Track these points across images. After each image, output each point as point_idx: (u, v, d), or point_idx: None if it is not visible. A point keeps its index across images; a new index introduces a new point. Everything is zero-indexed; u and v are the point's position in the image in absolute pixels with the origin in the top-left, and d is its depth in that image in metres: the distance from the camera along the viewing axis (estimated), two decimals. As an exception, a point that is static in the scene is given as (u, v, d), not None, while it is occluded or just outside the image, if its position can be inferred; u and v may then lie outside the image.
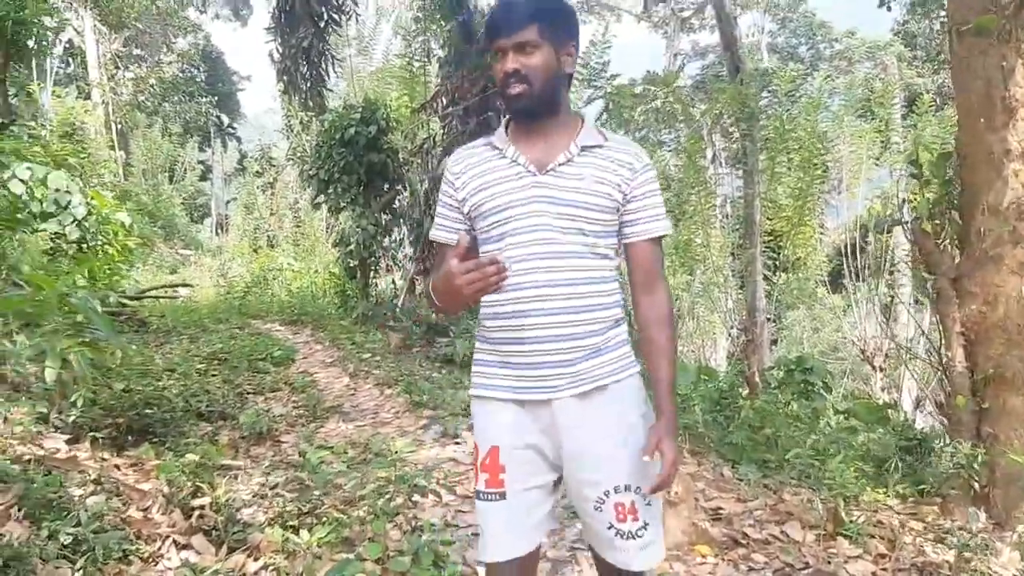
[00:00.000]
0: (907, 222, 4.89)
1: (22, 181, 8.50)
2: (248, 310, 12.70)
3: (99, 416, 4.25)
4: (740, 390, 6.83)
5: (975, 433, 4.44)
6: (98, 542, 2.79)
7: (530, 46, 1.78)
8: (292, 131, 19.07)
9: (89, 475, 3.39)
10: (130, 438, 4.30)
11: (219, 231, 29.09)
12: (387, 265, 12.32)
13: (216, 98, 32.44)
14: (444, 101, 10.98)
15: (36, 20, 12.31)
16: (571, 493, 1.91)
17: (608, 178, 1.82)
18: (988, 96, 4.36)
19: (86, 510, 2.96)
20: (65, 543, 2.75)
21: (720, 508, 3.72)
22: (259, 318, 12.05)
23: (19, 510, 2.88)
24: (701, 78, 27.85)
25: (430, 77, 12.31)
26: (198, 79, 32.66)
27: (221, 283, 15.49)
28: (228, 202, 31.66)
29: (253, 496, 3.70)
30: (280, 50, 11.71)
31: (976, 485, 4.32)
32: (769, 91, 14.89)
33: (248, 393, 6.25)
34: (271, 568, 2.97)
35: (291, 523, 3.30)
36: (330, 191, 11.51)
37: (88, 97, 24.14)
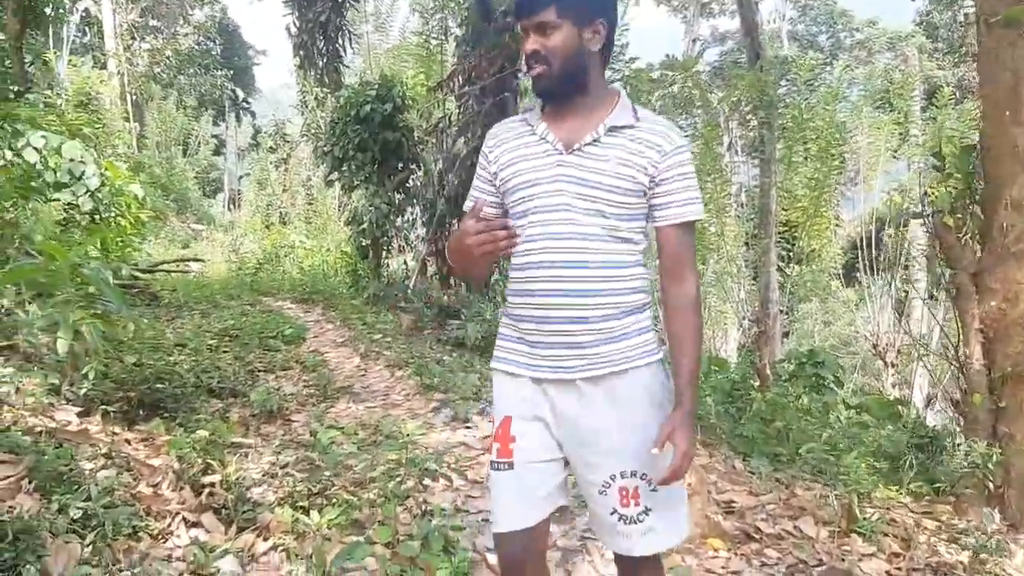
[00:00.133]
0: (928, 215, 4.81)
1: (36, 150, 8.48)
2: (260, 287, 12.70)
3: (110, 389, 4.24)
4: (752, 382, 6.78)
5: (991, 432, 4.38)
6: (108, 517, 2.78)
7: (549, 27, 1.77)
8: (307, 107, 18.99)
9: (100, 449, 3.37)
10: (141, 412, 4.29)
11: (231, 206, 29.09)
12: (399, 245, 12.28)
13: (231, 72, 32.39)
14: (460, 80, 10.90)
15: (53, -13, 12.27)
16: (578, 476, 1.91)
17: (634, 160, 1.78)
18: (1015, 89, 4.27)
19: (96, 484, 2.95)
20: (75, 517, 2.73)
21: (733, 501, 3.68)
22: (270, 295, 12.04)
23: (30, 482, 2.86)
24: (720, 64, 27.64)
25: (447, 56, 12.22)
26: (214, 52, 32.60)
27: (233, 259, 15.46)
28: (241, 177, 31.61)
29: (263, 475, 3.69)
30: (297, 24, 11.68)
31: (991, 485, 4.27)
32: (788, 80, 14.72)
33: (259, 371, 6.25)
34: (280, 548, 2.96)
35: (301, 503, 3.29)
36: (344, 168, 11.47)
37: (104, 67, 24.07)
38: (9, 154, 8.16)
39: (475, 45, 10.76)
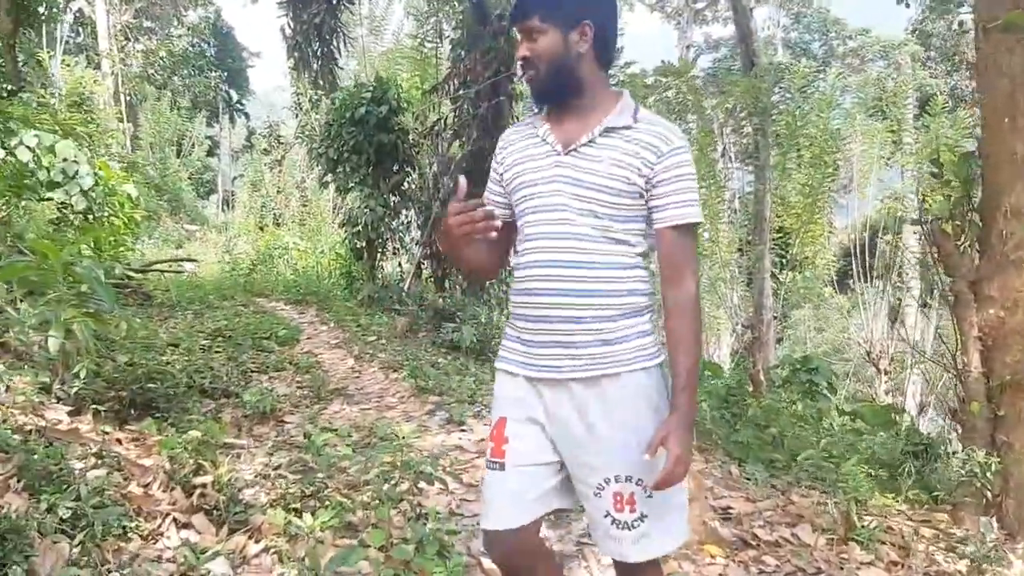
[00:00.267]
0: (925, 222, 4.79)
1: (29, 149, 8.42)
2: (253, 287, 12.64)
3: (102, 388, 4.19)
4: (747, 388, 6.77)
5: (989, 440, 4.36)
6: (97, 517, 2.73)
7: (535, 32, 1.82)
8: (301, 109, 18.94)
9: (90, 448, 3.33)
10: (132, 412, 4.25)
11: (225, 207, 29.01)
12: (394, 248, 12.24)
13: (226, 73, 32.31)
14: (456, 83, 10.89)
15: (47, -14, 12.20)
16: (573, 478, 1.90)
17: (628, 161, 1.78)
18: (1013, 95, 4.25)
19: (86, 484, 2.90)
20: (64, 517, 2.69)
21: (730, 507, 3.66)
22: (264, 296, 11.99)
23: (18, 481, 2.82)
24: (713, 71, 27.68)
25: (441, 59, 12.20)
26: (208, 54, 32.49)
27: (226, 259, 15.41)
28: (235, 179, 31.55)
29: (255, 476, 3.65)
30: (291, 25, 11.61)
31: (989, 494, 4.24)
32: (781, 87, 14.76)
33: (252, 371, 6.19)
34: (272, 551, 2.92)
35: (294, 505, 3.24)
36: (339, 170, 11.43)
37: (98, 67, 23.99)
38: (2, 153, 8.10)
39: (470, 48, 10.75)
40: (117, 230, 9.38)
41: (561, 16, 1.81)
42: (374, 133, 10.93)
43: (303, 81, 14.64)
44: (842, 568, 3.16)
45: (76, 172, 8.76)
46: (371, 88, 11.28)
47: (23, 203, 8.05)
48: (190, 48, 31.52)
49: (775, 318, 12.67)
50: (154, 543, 2.89)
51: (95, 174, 8.96)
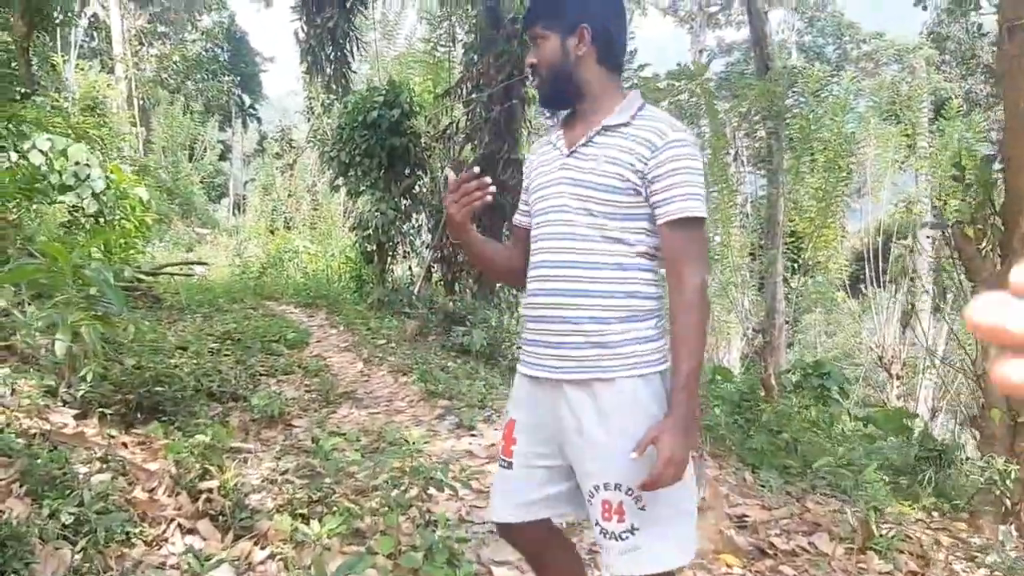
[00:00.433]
0: (947, 226, 4.71)
1: (42, 152, 8.44)
2: (263, 291, 12.63)
3: (108, 392, 4.15)
4: (759, 392, 6.68)
5: (1009, 448, 4.28)
6: (101, 523, 2.69)
7: (539, 39, 1.88)
8: (313, 113, 18.96)
9: (95, 452, 3.29)
10: (139, 416, 4.20)
11: (236, 211, 29.06)
12: (404, 251, 12.21)
13: (239, 78, 32.41)
14: (468, 87, 10.85)
15: (61, -10, 12.25)
16: (580, 483, 1.86)
17: (622, 158, 1.76)
18: (1037, 98, 4.19)
19: (90, 489, 2.86)
20: (66, 523, 2.65)
21: (745, 515, 3.58)
22: (274, 299, 11.97)
23: (21, 486, 2.78)
24: (726, 75, 27.57)
25: (454, 63, 12.17)
26: (221, 58, 32.62)
27: (237, 263, 15.40)
28: (246, 183, 31.61)
29: (262, 481, 3.60)
30: (305, 29, 11.61)
31: (1008, 502, 4.17)
32: (794, 91, 14.67)
33: (260, 375, 6.15)
34: (278, 558, 2.86)
35: (300, 511, 3.19)
36: (350, 174, 11.41)
37: (111, 72, 24.13)
38: (15, 156, 8.12)
39: (483, 52, 10.71)
40: (128, 233, 9.39)
41: (561, 22, 1.84)
42: (386, 137, 10.90)
43: (316, 85, 14.64)
44: (860, 578, 3.09)
45: (88, 175, 8.78)
46: (383, 92, 11.26)
47: (35, 206, 8.06)
48: (203, 53, 31.67)
49: (786, 322, 12.58)
50: (158, 549, 2.84)
51: (107, 177, 8.98)
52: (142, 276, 9.45)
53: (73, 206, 8.68)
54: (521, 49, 9.87)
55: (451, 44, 12.63)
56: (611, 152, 1.77)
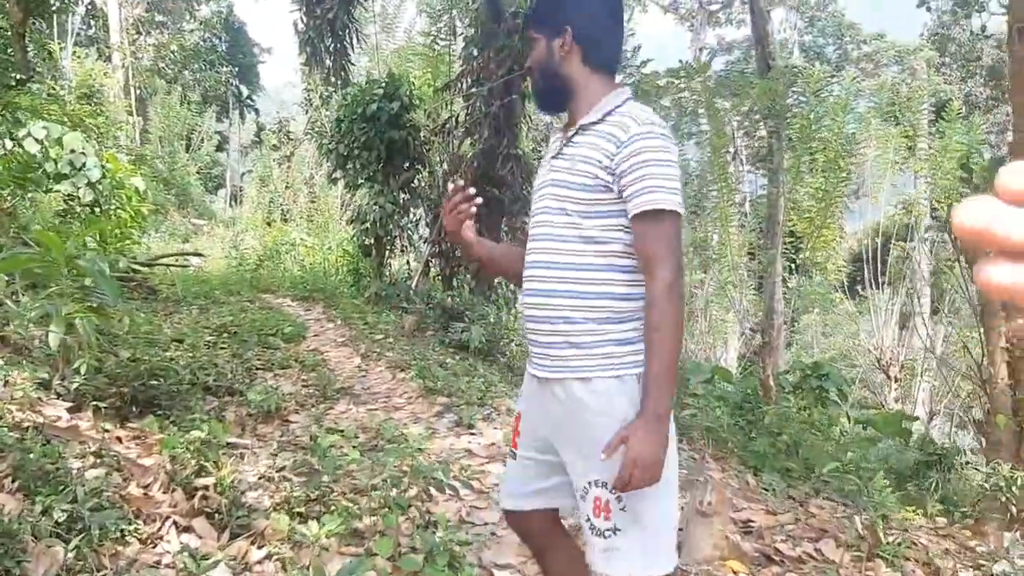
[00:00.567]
0: (946, 230, 4.66)
1: (37, 140, 8.36)
2: (259, 283, 12.55)
3: (103, 385, 4.08)
4: (759, 394, 6.64)
5: (1015, 454, 4.24)
6: (95, 520, 2.62)
7: (532, 42, 1.92)
8: (311, 105, 18.86)
9: (89, 447, 3.22)
10: (134, 409, 4.13)
11: (233, 202, 28.97)
12: (402, 245, 12.14)
13: (236, 69, 32.28)
14: (468, 81, 10.77)
15: (59, -23, 12.14)
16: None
17: (592, 156, 1.76)
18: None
19: (83, 485, 2.79)
20: (59, 520, 2.57)
21: (751, 520, 3.53)
22: (270, 292, 11.89)
23: (13, 481, 2.71)
24: (726, 74, 27.51)
25: (454, 56, 12.10)
26: (219, 49, 32.48)
27: (233, 255, 15.32)
28: (243, 174, 31.52)
29: (259, 478, 3.53)
30: (304, 20, 11.52)
31: (1013, 508, 4.12)
32: (795, 90, 14.62)
33: (257, 369, 6.08)
34: (275, 558, 2.80)
35: (298, 510, 3.13)
36: (349, 166, 11.34)
37: (108, 60, 23.99)
38: (9, 143, 8.03)
39: (484, 46, 10.62)
40: (123, 223, 9.31)
41: (548, 25, 1.88)
42: (385, 130, 10.83)
43: (314, 77, 14.55)
44: (868, 586, 3.04)
45: (83, 164, 8.71)
46: (383, 84, 11.19)
47: (29, 195, 7.98)
48: (201, 43, 31.54)
49: (784, 323, 12.54)
50: (153, 547, 2.77)
51: (103, 166, 8.90)
52: (138, 267, 9.37)
53: (68, 195, 8.60)
54: (522, 44, 9.80)
55: (451, 38, 12.56)
56: (583, 151, 1.78)
